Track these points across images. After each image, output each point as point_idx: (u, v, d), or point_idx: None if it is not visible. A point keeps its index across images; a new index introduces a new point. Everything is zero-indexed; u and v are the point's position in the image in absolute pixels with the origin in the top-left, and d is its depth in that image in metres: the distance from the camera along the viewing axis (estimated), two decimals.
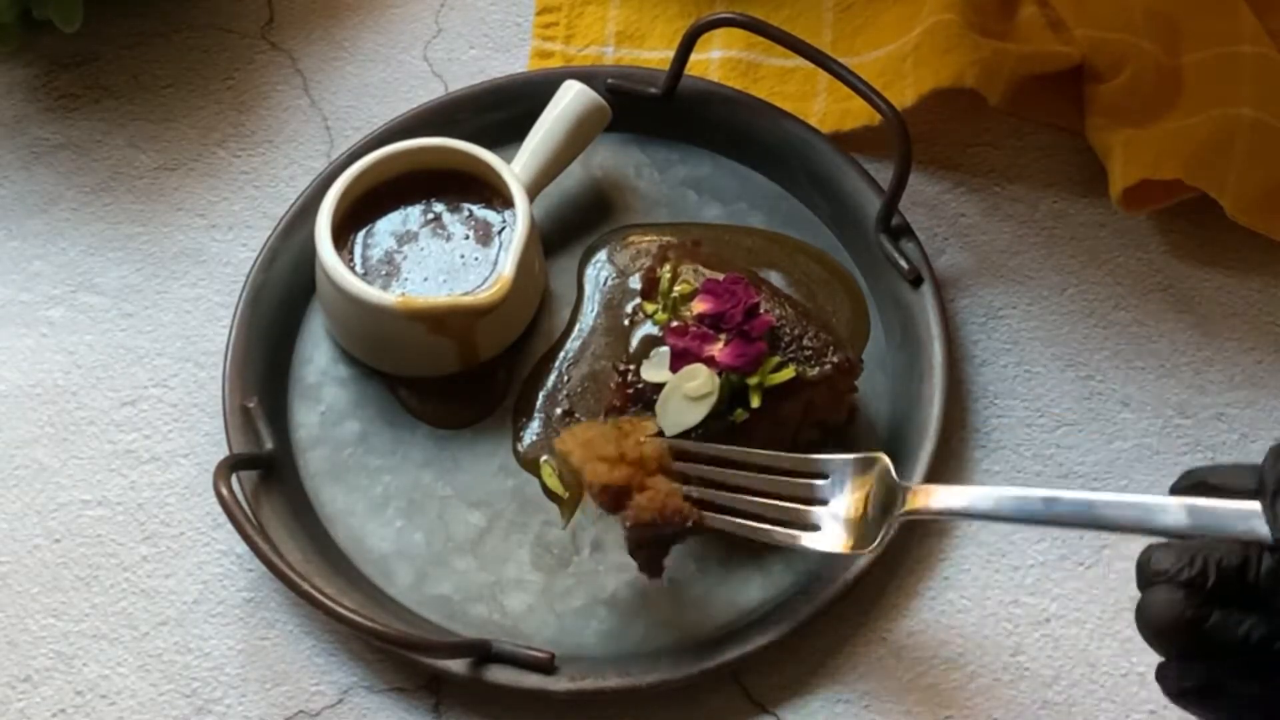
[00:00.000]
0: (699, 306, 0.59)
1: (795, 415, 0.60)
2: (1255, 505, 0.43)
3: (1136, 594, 0.59)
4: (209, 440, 0.64)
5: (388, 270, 0.64)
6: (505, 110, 0.71)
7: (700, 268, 0.62)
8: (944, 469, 0.62)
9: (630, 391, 0.58)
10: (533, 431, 0.64)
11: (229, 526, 0.58)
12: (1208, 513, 0.44)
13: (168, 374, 0.66)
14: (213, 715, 0.58)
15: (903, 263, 0.65)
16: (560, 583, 0.60)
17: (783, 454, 0.56)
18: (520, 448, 0.63)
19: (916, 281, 0.65)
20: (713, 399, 0.57)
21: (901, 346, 0.65)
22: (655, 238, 0.68)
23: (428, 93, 0.74)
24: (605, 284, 0.68)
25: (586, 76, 0.70)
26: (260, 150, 0.73)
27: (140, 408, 0.65)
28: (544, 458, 0.63)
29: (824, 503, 0.55)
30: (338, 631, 0.59)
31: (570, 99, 0.68)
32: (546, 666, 0.56)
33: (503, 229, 0.66)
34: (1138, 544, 0.60)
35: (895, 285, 0.65)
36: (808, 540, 0.54)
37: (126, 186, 0.72)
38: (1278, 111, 0.66)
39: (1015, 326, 0.66)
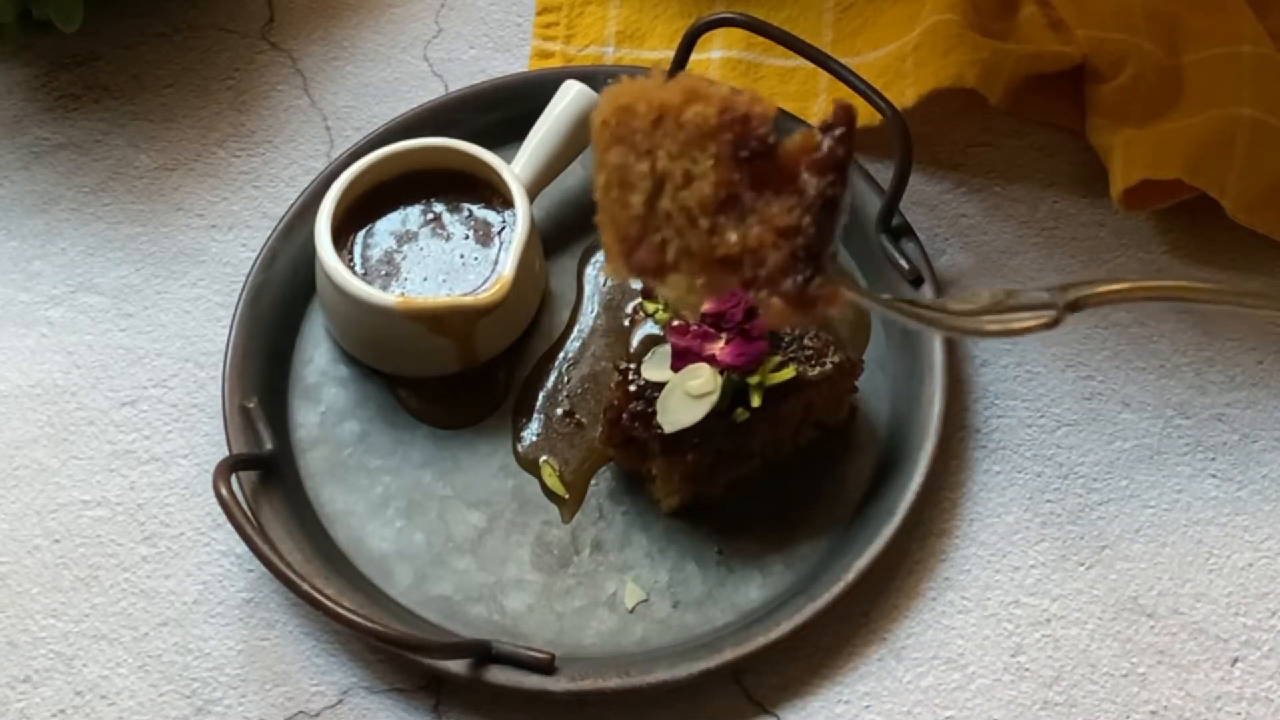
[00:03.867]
0: None
1: (795, 415, 0.60)
2: None
3: (1137, 594, 0.59)
4: (209, 440, 0.64)
5: (388, 270, 0.64)
6: (505, 110, 0.71)
7: None
8: (944, 469, 0.62)
9: (631, 390, 0.58)
10: (533, 432, 0.64)
11: (229, 527, 0.58)
12: None
13: (167, 374, 0.66)
14: (212, 716, 0.57)
15: (903, 263, 0.65)
16: (560, 583, 0.60)
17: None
18: (520, 448, 0.63)
19: (917, 281, 0.65)
20: (714, 398, 0.57)
21: (902, 346, 0.64)
22: None
23: (428, 93, 0.74)
24: (605, 284, 0.68)
25: (586, 76, 0.70)
26: (260, 150, 0.73)
27: (140, 408, 0.65)
28: (544, 457, 0.63)
29: None
30: (337, 632, 0.59)
31: (570, 99, 0.68)
32: (546, 667, 0.56)
33: (503, 229, 0.66)
34: (1139, 545, 0.60)
35: (896, 285, 0.65)
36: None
37: (126, 186, 0.72)
38: (1278, 111, 0.66)
39: None
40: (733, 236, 0.40)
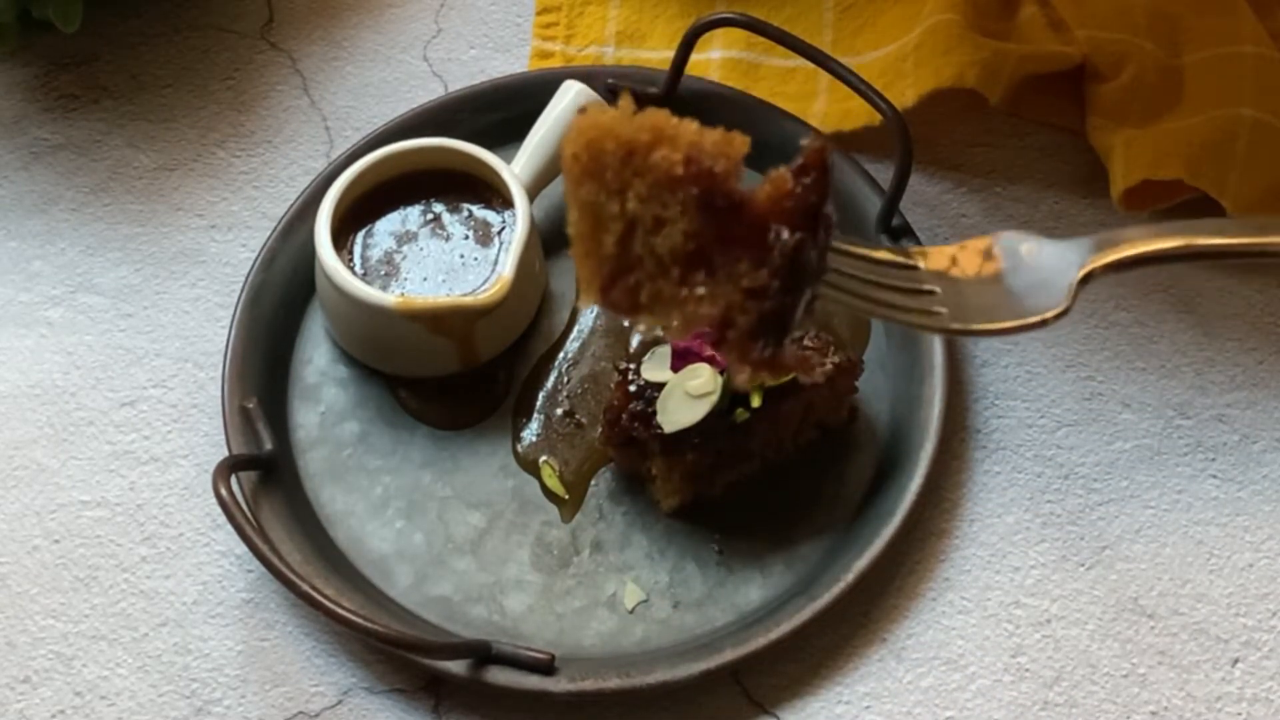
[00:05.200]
0: None
1: (795, 415, 0.60)
2: None
3: (1137, 595, 0.59)
4: (208, 441, 0.64)
5: (387, 270, 0.64)
6: (505, 110, 0.71)
7: None
8: (944, 470, 0.62)
9: (631, 390, 0.58)
10: (533, 432, 0.64)
11: (228, 527, 0.58)
12: None
13: (167, 375, 0.66)
14: (212, 716, 0.57)
15: None
16: (560, 583, 0.60)
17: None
18: (520, 448, 0.63)
19: None
20: (714, 398, 0.57)
21: (902, 347, 0.64)
22: None
23: (428, 93, 0.74)
24: None
25: (586, 76, 0.70)
26: (260, 150, 0.73)
27: (139, 408, 0.65)
28: (544, 458, 0.63)
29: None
30: (337, 632, 0.59)
31: (570, 99, 0.68)
32: (546, 668, 0.56)
33: (503, 229, 0.66)
34: (1139, 545, 0.60)
35: None
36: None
37: (126, 187, 0.72)
38: (1278, 112, 0.65)
39: None
40: (701, 291, 0.39)
